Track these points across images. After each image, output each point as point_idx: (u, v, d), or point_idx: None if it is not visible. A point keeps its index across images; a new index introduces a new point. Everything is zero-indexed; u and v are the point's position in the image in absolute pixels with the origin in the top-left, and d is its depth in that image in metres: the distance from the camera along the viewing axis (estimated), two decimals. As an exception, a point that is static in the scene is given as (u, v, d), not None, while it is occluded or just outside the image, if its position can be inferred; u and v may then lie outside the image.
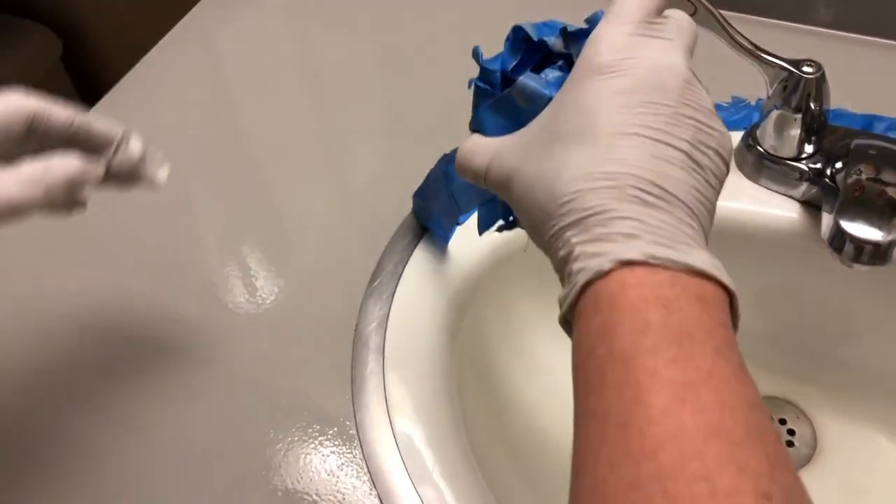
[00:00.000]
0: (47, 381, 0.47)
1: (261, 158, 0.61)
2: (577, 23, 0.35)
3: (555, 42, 0.35)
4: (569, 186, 0.27)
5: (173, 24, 0.72)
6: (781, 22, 0.60)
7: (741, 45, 0.44)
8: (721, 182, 0.29)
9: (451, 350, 0.46)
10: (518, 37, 0.36)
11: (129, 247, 0.54)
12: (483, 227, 0.44)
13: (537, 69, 0.35)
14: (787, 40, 0.59)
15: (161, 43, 0.70)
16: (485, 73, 0.36)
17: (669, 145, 0.27)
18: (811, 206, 0.48)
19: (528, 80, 0.34)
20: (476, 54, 0.37)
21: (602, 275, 0.25)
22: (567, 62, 0.35)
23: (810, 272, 0.50)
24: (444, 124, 0.55)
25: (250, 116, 0.65)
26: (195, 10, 0.73)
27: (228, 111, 0.65)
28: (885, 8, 0.57)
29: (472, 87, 0.37)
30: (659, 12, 0.31)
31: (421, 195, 0.49)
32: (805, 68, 0.44)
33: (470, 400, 0.46)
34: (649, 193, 0.26)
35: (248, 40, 0.70)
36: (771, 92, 0.45)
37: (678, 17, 0.32)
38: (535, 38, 0.35)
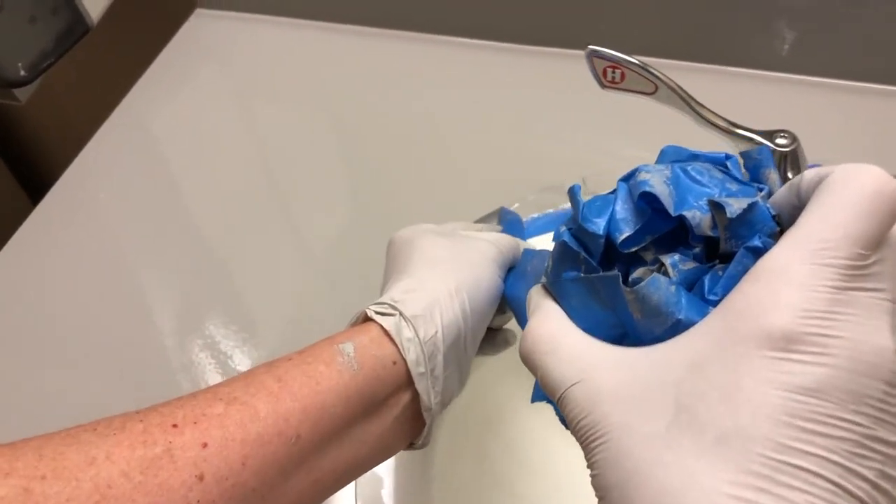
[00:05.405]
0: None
1: (216, 238, 0.58)
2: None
3: (700, 221, 0.24)
4: None
5: (108, 104, 0.69)
6: (729, 68, 0.60)
7: (708, 122, 0.42)
8: None
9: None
10: (642, 195, 0.25)
11: (88, 349, 0.52)
12: (537, 397, 0.31)
13: (661, 245, 0.25)
14: (743, 85, 0.59)
15: (98, 134, 0.67)
16: (581, 231, 0.26)
17: (846, 491, 0.19)
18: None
19: (650, 289, 0.23)
20: (574, 199, 0.26)
21: None
22: (707, 248, 0.25)
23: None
24: (399, 185, 0.55)
25: (198, 198, 0.62)
26: (129, 95, 0.70)
27: (175, 196, 0.62)
28: (839, 50, 0.57)
29: (557, 239, 0.27)
30: (877, 242, 0.20)
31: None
32: (778, 140, 0.42)
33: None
34: None
35: (187, 121, 0.67)
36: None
37: None
38: (673, 213, 0.24)
